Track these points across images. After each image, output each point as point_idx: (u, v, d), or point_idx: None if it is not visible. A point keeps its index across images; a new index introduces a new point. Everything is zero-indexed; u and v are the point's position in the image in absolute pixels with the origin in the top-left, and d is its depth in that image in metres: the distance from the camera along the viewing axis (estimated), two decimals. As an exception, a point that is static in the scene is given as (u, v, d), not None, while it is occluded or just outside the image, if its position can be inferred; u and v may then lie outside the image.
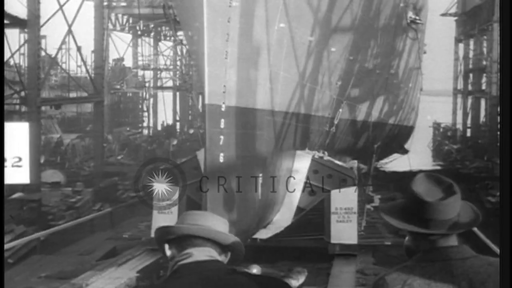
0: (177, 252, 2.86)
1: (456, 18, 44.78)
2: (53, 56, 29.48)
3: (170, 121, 47.18)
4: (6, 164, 8.99)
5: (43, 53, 25.16)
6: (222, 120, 11.80)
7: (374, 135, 20.33)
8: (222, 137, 11.80)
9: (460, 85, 43.92)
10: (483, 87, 37.31)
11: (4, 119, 8.99)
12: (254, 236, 13.30)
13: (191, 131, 42.17)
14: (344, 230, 13.61)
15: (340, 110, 16.30)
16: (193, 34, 12.37)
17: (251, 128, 12.57)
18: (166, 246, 2.89)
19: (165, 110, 44.74)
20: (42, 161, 23.77)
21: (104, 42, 29.51)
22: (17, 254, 15.71)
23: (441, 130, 48.94)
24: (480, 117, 38.11)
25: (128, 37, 44.71)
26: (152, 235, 13.30)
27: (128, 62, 45.69)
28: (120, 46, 43.74)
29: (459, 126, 44.25)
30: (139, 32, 45.67)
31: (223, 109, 11.78)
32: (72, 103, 36.57)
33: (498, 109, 27.29)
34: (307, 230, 14.22)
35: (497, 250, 12.76)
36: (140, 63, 45.69)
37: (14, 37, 25.63)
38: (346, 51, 16.35)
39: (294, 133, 14.44)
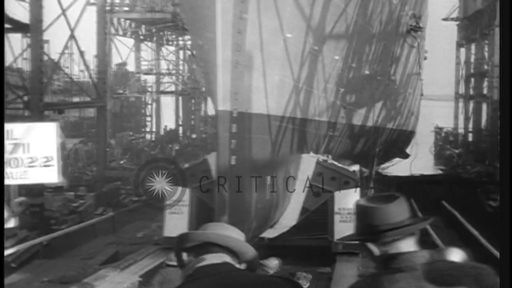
0: (193, 258, 2.93)
1: (457, 22, 44.78)
2: (56, 60, 29.54)
3: (172, 126, 47.24)
4: (35, 164, 9.09)
5: (46, 58, 25.18)
6: (234, 125, 12.68)
7: (373, 139, 20.74)
8: (233, 141, 12.68)
9: (461, 90, 43.88)
10: (485, 91, 37.29)
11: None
12: (262, 235, 14.16)
13: (194, 135, 42.21)
14: (347, 230, 13.78)
15: (343, 115, 17.28)
16: (203, 43, 13.01)
17: (260, 133, 13.37)
18: (184, 254, 2.97)
19: (172, 114, 44.75)
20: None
21: (106, 46, 29.62)
22: (20, 258, 15.73)
23: (443, 134, 48.92)
24: (481, 121, 38.06)
25: (131, 41, 44.80)
26: (165, 234, 14.43)
27: (130, 67, 45.80)
28: (123, 50, 43.86)
29: (461, 130, 44.23)
30: (141, 37, 45.73)
31: (234, 114, 12.64)
32: (75, 107, 36.66)
33: (499, 113, 27.26)
34: (311, 229, 14.87)
35: (497, 254, 12.78)
36: (142, 67, 45.74)
37: (17, 41, 25.79)
38: (348, 58, 17.03)
39: (299, 137, 15.27)
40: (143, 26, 44.39)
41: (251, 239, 12.85)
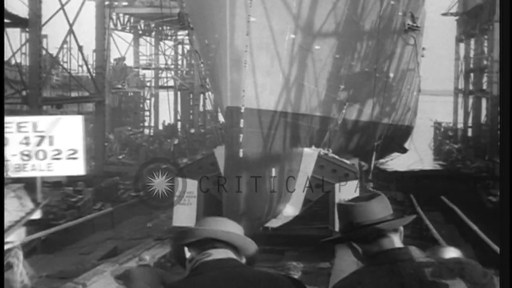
0: (196, 254, 2.96)
1: (457, 17, 44.73)
2: (54, 55, 29.52)
3: (171, 121, 47.21)
4: (61, 156, 9.14)
5: (44, 53, 25.14)
6: (241, 121, 13.63)
7: (367, 134, 21.37)
8: (241, 135, 13.63)
9: (461, 85, 43.86)
10: (484, 86, 37.27)
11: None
12: (266, 225, 15.22)
13: (192, 130, 42.16)
14: None
15: (344, 111, 17.98)
16: (210, 42, 14.01)
17: (267, 128, 14.37)
18: (186, 249, 3.00)
19: (168, 109, 44.73)
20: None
21: (105, 41, 29.54)
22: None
23: (442, 129, 48.92)
24: (481, 116, 38.06)
25: (129, 36, 44.76)
26: (174, 224, 15.28)
27: (129, 62, 45.73)
28: (121, 45, 43.96)
29: (460, 125, 44.23)
30: (140, 32, 45.68)
31: (242, 110, 13.60)
32: (73, 102, 36.56)
33: (499, 108, 27.28)
34: (313, 220, 15.74)
35: (497, 249, 12.76)
36: (141, 62, 45.69)
37: (15, 36, 25.66)
38: (346, 56, 17.82)
39: (303, 132, 16.19)
40: (142, 21, 44.33)
41: (257, 228, 14.35)
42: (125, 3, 39.96)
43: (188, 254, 2.98)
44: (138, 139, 39.78)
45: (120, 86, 43.24)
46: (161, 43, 47.36)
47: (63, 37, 27.10)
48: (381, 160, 30.90)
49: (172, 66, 46.31)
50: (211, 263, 2.88)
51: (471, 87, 40.93)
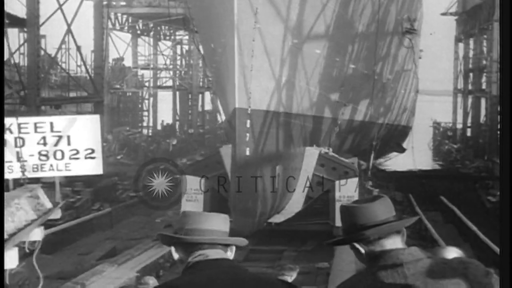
0: (185, 255, 2.96)
1: (456, 17, 44.72)
2: (52, 55, 29.49)
3: (169, 121, 47.17)
4: (79, 156, 9.15)
5: (42, 53, 25.13)
6: (248, 121, 14.38)
7: (362, 133, 21.91)
8: (248, 134, 14.39)
9: (460, 85, 43.84)
10: (483, 86, 37.26)
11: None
12: (269, 220, 15.96)
13: (191, 130, 42.14)
14: None
15: (343, 112, 18.64)
16: (216, 47, 14.96)
17: (272, 128, 15.19)
18: (173, 249, 3.00)
19: (167, 109, 44.76)
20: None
21: (103, 41, 29.47)
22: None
23: (441, 129, 48.89)
24: (480, 116, 38.02)
25: (128, 36, 44.72)
26: None
27: (127, 62, 45.69)
28: (120, 45, 43.74)
29: (459, 125, 44.20)
30: (138, 32, 45.64)
31: (249, 111, 14.33)
32: (71, 102, 36.48)
33: (499, 108, 27.28)
34: (314, 216, 16.52)
35: (496, 248, 12.75)
36: (139, 62, 45.65)
37: (13, 36, 25.64)
38: (346, 59, 18.65)
39: (305, 132, 16.97)
40: (140, 21, 44.30)
41: (261, 224, 15.15)
42: (123, 3, 39.93)
43: (176, 255, 2.99)
44: (136, 139, 39.72)
45: (118, 86, 43.22)
46: (160, 43, 47.35)
47: (61, 37, 27.08)
48: (380, 160, 30.92)
49: (171, 66, 46.29)
50: (207, 262, 2.88)
51: (470, 87, 40.91)
